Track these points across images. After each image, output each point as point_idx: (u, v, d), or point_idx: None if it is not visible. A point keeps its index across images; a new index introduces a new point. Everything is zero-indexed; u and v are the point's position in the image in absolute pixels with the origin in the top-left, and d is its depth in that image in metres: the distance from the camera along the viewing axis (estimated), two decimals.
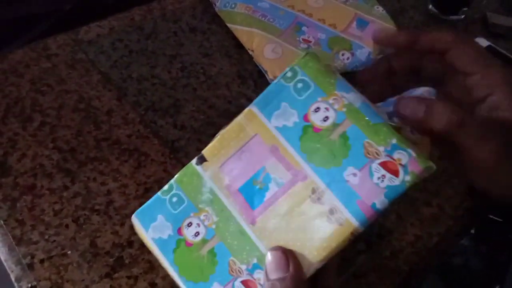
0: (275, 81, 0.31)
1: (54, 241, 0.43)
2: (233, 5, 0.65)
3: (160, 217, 0.32)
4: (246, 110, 0.31)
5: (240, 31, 0.63)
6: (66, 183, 0.47)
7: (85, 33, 0.62)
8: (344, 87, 0.29)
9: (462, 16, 0.74)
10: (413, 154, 0.27)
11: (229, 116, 0.56)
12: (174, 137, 0.53)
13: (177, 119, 0.55)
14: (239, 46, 0.63)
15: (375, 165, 0.27)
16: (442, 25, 0.74)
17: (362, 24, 0.65)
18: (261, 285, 0.29)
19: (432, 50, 0.31)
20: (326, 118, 0.29)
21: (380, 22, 0.66)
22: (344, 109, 0.28)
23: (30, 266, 0.41)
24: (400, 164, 0.27)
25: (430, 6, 0.75)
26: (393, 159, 0.27)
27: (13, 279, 0.41)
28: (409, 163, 0.26)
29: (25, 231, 0.43)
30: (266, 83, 0.60)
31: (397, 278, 0.45)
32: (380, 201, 0.27)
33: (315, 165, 0.28)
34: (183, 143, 0.52)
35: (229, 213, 0.30)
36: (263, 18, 0.63)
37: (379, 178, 0.27)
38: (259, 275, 0.29)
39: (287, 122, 0.29)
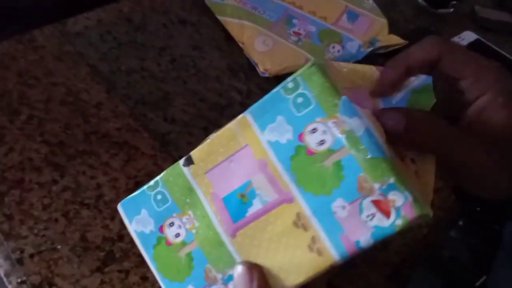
0: (275, 90, 0.28)
1: (44, 235, 0.43)
2: None
3: (144, 211, 0.31)
4: (240, 117, 0.29)
5: (230, 23, 0.63)
6: (55, 177, 0.46)
7: (72, 24, 0.61)
8: (348, 111, 0.26)
9: (451, 10, 0.75)
10: (410, 198, 0.25)
11: (220, 109, 0.56)
12: (164, 130, 0.52)
13: (167, 112, 0.54)
14: (230, 38, 0.63)
15: (366, 202, 0.25)
16: (431, 19, 0.74)
17: (352, 16, 0.65)
18: None
19: (424, 65, 0.30)
20: (322, 142, 0.26)
21: (371, 15, 0.66)
22: (344, 136, 0.26)
23: (20, 261, 0.41)
24: (394, 206, 0.25)
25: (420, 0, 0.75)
26: (387, 199, 0.25)
27: (2, 275, 0.40)
28: (404, 207, 0.25)
29: (13, 226, 0.43)
30: (257, 75, 0.59)
31: (388, 269, 0.46)
32: (365, 240, 0.26)
33: (304, 190, 0.27)
34: (173, 136, 0.52)
35: (210, 221, 0.29)
36: (253, 10, 0.63)
37: (368, 216, 0.25)
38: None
39: (280, 138, 0.27)
